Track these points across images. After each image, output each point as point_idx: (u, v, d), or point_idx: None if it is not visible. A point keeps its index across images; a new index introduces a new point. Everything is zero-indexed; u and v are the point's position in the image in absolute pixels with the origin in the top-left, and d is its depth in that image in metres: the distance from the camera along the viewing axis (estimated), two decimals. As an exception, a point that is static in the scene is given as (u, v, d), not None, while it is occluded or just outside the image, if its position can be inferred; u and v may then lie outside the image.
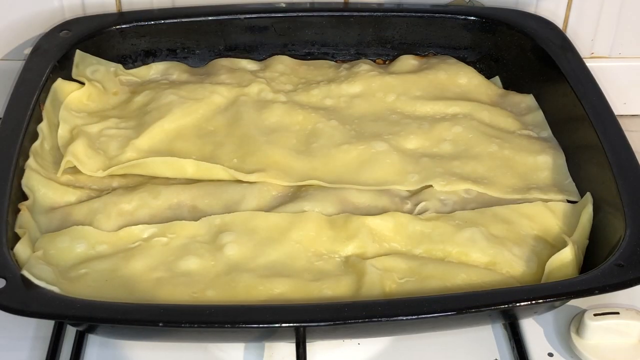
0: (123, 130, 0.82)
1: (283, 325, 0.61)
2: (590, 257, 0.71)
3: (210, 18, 0.91)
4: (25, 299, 0.62)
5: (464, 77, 0.89)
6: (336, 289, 0.68)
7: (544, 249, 0.72)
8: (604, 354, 0.68)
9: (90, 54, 0.88)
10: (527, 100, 0.88)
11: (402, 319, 0.62)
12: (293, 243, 0.71)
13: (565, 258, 0.68)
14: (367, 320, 0.61)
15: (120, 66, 0.89)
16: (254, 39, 0.92)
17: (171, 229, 0.72)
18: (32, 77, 0.81)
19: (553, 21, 0.91)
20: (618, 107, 0.82)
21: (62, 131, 0.81)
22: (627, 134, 0.75)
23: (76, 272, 0.68)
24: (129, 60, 0.91)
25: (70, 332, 0.69)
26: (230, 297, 0.67)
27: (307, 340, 0.66)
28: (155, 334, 0.66)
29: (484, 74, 0.91)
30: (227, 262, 0.70)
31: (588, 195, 0.75)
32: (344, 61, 0.93)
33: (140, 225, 0.73)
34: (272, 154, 0.79)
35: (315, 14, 0.92)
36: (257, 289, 0.67)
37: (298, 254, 0.71)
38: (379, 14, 0.92)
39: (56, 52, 0.85)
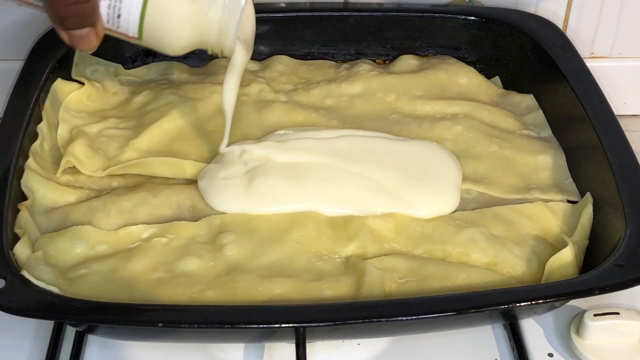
0: (123, 131, 0.82)
1: (283, 325, 0.61)
2: (590, 257, 0.71)
3: (210, 18, 0.91)
4: (25, 299, 0.62)
5: (464, 77, 0.89)
6: (336, 289, 0.68)
7: (545, 249, 0.72)
8: (604, 354, 0.68)
9: (90, 53, 0.88)
10: (527, 100, 0.88)
11: (402, 320, 0.62)
12: (293, 243, 0.71)
13: (566, 258, 0.68)
14: (367, 320, 0.61)
15: (120, 66, 0.89)
16: (254, 38, 0.92)
17: (171, 229, 0.72)
18: (32, 77, 0.81)
19: (553, 21, 0.90)
20: (618, 107, 0.82)
21: (62, 131, 0.81)
22: (627, 134, 0.75)
23: (76, 273, 0.68)
24: (128, 60, 0.91)
25: (70, 332, 0.69)
26: (230, 298, 0.67)
27: (307, 341, 0.66)
28: (155, 334, 0.66)
29: (484, 74, 0.91)
30: (227, 262, 0.70)
31: (588, 195, 0.75)
32: (344, 61, 0.93)
33: (140, 225, 0.72)
34: (273, 154, 0.79)
35: (315, 14, 0.92)
36: (257, 289, 0.67)
37: (298, 254, 0.71)
38: (379, 14, 0.92)
39: (56, 52, 0.85)
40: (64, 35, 0.62)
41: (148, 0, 0.64)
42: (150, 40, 0.67)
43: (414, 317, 0.61)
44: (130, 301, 0.66)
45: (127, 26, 0.65)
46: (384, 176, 0.76)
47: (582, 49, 0.89)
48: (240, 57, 0.72)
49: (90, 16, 0.62)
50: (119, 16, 0.64)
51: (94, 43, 0.63)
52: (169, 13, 0.65)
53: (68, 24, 0.61)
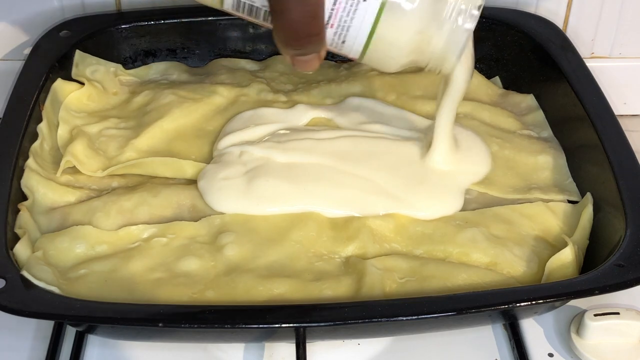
0: (123, 131, 0.82)
1: (283, 325, 0.61)
2: (590, 257, 0.71)
3: (210, 18, 0.91)
4: (25, 299, 0.62)
5: (464, 77, 0.89)
6: (336, 289, 0.68)
7: (545, 249, 0.72)
8: (604, 354, 0.68)
9: (90, 54, 0.88)
10: (528, 100, 0.88)
11: (402, 320, 0.62)
12: (293, 243, 0.71)
13: (566, 258, 0.68)
14: (367, 320, 0.61)
15: (120, 66, 0.89)
16: (254, 39, 0.92)
17: (171, 229, 0.72)
18: (32, 77, 0.81)
19: (553, 21, 0.90)
20: (618, 107, 0.82)
21: (62, 131, 0.81)
22: (627, 134, 0.75)
23: (76, 273, 0.68)
24: (129, 60, 0.91)
25: (70, 332, 0.69)
26: (230, 298, 0.67)
27: (307, 341, 0.66)
28: (155, 334, 0.66)
29: (484, 74, 0.91)
30: (227, 262, 0.70)
31: (588, 195, 0.75)
32: (344, 61, 0.93)
33: (140, 225, 0.72)
34: (272, 154, 0.79)
35: (315, 14, 0.92)
36: (257, 289, 0.67)
37: (298, 255, 0.71)
38: (379, 14, 0.92)
39: (56, 52, 0.85)
40: (289, 58, 0.64)
41: (375, 32, 0.65)
42: (370, 62, 0.68)
43: (414, 317, 0.61)
44: (130, 301, 0.66)
45: (350, 50, 0.67)
46: (385, 177, 0.76)
47: (582, 49, 0.89)
48: (461, 78, 0.72)
49: (317, 46, 0.63)
50: (343, 42, 0.66)
51: (316, 66, 0.65)
52: (394, 44, 0.66)
53: (297, 52, 0.63)
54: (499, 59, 0.91)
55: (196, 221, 0.73)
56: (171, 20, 0.91)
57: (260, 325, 0.61)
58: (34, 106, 0.77)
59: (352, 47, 0.66)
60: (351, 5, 0.63)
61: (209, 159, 0.79)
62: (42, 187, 0.74)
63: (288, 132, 0.81)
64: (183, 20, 0.90)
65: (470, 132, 0.81)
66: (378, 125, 0.82)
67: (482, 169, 0.78)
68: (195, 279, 0.68)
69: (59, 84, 0.83)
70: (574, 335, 0.69)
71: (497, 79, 0.92)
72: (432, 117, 0.84)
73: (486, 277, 0.68)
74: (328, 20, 0.64)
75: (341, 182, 0.75)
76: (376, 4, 0.64)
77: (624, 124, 0.77)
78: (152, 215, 0.74)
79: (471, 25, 0.67)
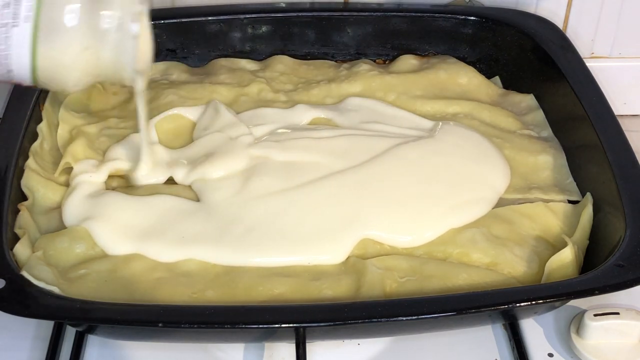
0: (123, 130, 0.81)
1: (283, 325, 0.61)
2: (590, 257, 0.71)
3: (210, 18, 0.91)
4: (25, 300, 0.62)
5: (464, 77, 0.89)
6: (336, 288, 0.67)
7: (545, 250, 0.71)
8: (604, 354, 0.68)
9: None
10: (528, 100, 0.88)
11: (402, 320, 0.62)
12: (293, 242, 0.71)
13: (566, 258, 0.68)
14: (367, 320, 0.61)
15: (120, 66, 0.89)
16: (254, 39, 0.92)
17: (170, 229, 0.72)
18: (32, 77, 0.81)
19: (553, 21, 0.91)
20: (618, 107, 0.82)
21: (62, 131, 0.81)
22: (627, 134, 0.75)
23: (76, 273, 0.68)
24: (128, 60, 0.91)
25: (70, 332, 0.69)
26: (230, 298, 0.67)
27: (307, 341, 0.66)
28: (155, 334, 0.66)
29: (484, 74, 0.91)
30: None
31: (588, 195, 0.75)
32: (344, 61, 0.93)
33: (140, 225, 0.72)
34: (273, 154, 0.79)
35: (315, 14, 0.92)
36: (257, 289, 0.67)
37: (298, 254, 0.71)
38: (379, 14, 0.92)
39: (56, 52, 0.85)
40: None
41: (37, 56, 0.63)
42: (47, 86, 0.68)
43: (414, 317, 0.61)
44: (130, 301, 0.66)
45: (21, 78, 0.65)
46: (388, 179, 0.76)
47: (582, 49, 0.89)
48: (140, 85, 0.71)
49: None
50: (9, 71, 0.65)
51: None
52: (61, 65, 0.65)
53: None
54: (499, 59, 0.92)
55: (196, 221, 0.73)
56: (171, 20, 0.91)
57: (260, 325, 0.61)
58: (34, 106, 0.77)
59: (20, 75, 0.65)
60: (4, 34, 0.62)
61: (209, 159, 0.79)
62: (42, 187, 0.74)
63: (287, 131, 0.81)
64: (183, 20, 0.90)
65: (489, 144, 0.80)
66: (378, 125, 0.82)
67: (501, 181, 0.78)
68: (195, 278, 0.68)
69: (59, 84, 0.83)
70: (574, 335, 0.69)
71: (497, 78, 0.92)
72: (432, 116, 0.85)
73: (486, 277, 0.68)
74: None
75: (339, 183, 0.75)
76: (28, 27, 0.62)
77: (624, 124, 0.77)
78: (152, 215, 0.74)
79: (135, 28, 0.65)
